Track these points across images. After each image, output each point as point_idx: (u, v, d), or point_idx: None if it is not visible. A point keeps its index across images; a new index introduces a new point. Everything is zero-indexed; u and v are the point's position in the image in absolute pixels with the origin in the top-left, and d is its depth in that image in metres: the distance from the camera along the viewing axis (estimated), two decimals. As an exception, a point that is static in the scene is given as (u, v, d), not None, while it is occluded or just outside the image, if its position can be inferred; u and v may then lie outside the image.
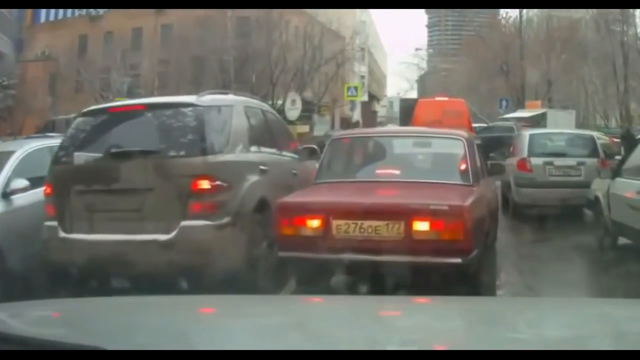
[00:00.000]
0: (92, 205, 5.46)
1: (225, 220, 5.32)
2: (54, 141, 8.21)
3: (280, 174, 6.53)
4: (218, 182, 5.31)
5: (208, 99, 5.99)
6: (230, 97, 6.90)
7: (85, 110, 6.30)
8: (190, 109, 5.63)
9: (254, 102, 7.29)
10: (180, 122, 5.52)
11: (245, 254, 5.47)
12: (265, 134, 6.77)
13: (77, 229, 5.49)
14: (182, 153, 5.34)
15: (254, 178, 5.86)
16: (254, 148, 6.20)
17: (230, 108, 6.14)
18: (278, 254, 5.29)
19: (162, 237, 5.21)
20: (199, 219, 5.23)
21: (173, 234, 5.21)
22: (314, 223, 5.14)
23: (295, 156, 7.52)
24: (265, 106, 7.95)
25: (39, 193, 6.39)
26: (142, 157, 5.39)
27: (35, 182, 6.41)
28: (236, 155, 5.79)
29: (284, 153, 7.14)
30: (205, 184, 5.26)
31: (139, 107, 6.10)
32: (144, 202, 5.33)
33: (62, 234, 5.53)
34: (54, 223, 5.58)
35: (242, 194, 5.60)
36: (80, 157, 5.56)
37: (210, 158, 5.40)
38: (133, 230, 5.24)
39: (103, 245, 5.28)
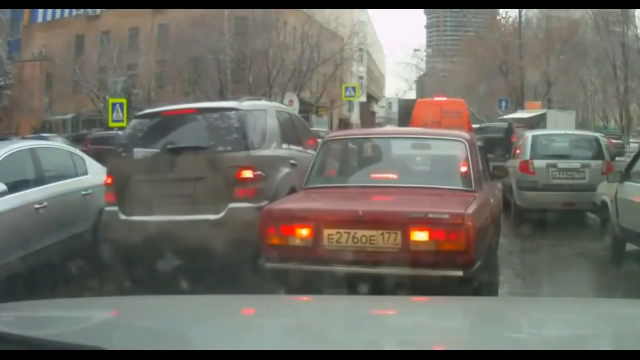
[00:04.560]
0: (151, 192, 6.32)
1: (264, 203, 5.91)
2: (38, 143, 7.90)
3: (306, 168, 7.13)
4: (258, 172, 6.29)
5: (247, 104, 6.98)
6: (263, 102, 7.98)
7: (139, 113, 7.44)
8: (233, 112, 6.61)
9: (282, 107, 8.75)
10: (226, 123, 6.50)
11: None
12: (293, 133, 7.74)
13: (136, 212, 6.34)
14: (228, 148, 6.34)
15: (286, 170, 6.82)
16: (284, 145, 7.18)
17: (265, 111, 7.18)
18: (265, 265, 4.90)
19: (213, 216, 6.14)
20: (243, 202, 6.13)
21: (222, 214, 6.15)
22: (303, 232, 4.77)
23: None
24: (291, 109, 9.30)
25: (17, 198, 6.06)
26: (195, 152, 6.36)
27: (14, 187, 6.08)
28: (271, 151, 6.79)
29: (308, 150, 7.79)
30: (248, 173, 6.23)
31: (190, 110, 7.03)
32: (196, 188, 6.28)
33: (122, 217, 6.36)
34: (115, 208, 6.42)
35: (277, 182, 6.56)
36: (139, 152, 6.44)
37: (252, 152, 6.39)
38: (187, 212, 6.17)
39: (161, 225, 6.14)
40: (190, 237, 6.04)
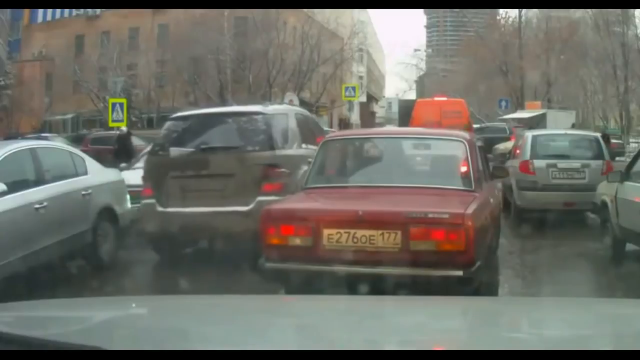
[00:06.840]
0: (186, 187, 7.11)
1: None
2: (38, 143, 7.89)
3: None
4: (283, 169, 7.05)
5: (271, 108, 7.87)
6: (285, 107, 9.21)
7: (174, 115, 8.14)
8: (260, 116, 7.43)
9: (300, 110, 9.62)
10: (253, 126, 7.30)
11: None
12: (310, 133, 8.43)
13: (172, 204, 7.11)
14: (256, 148, 7.12)
15: (305, 167, 7.14)
16: (303, 145, 7.87)
17: (286, 115, 8.00)
18: (265, 265, 4.89)
19: (243, 208, 6.84)
20: (269, 195, 6.68)
21: (251, 206, 6.84)
22: (303, 232, 4.77)
23: None
24: (307, 113, 10.05)
25: (17, 198, 6.06)
26: (226, 151, 7.14)
27: (14, 187, 6.07)
28: (293, 150, 7.55)
29: None
30: (274, 170, 6.99)
31: (220, 114, 7.93)
32: (228, 183, 7.02)
33: (159, 209, 7.15)
34: (152, 200, 7.21)
35: (298, 179, 6.90)
36: (175, 150, 7.17)
37: (277, 152, 7.19)
38: (220, 204, 6.89)
39: (195, 216, 6.92)
40: (222, 226, 6.81)
